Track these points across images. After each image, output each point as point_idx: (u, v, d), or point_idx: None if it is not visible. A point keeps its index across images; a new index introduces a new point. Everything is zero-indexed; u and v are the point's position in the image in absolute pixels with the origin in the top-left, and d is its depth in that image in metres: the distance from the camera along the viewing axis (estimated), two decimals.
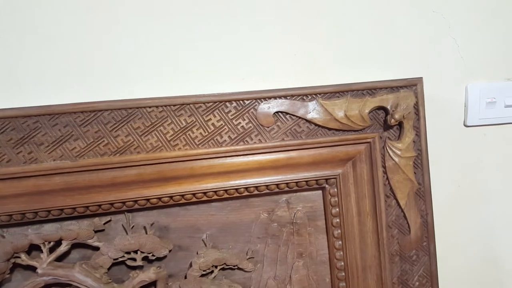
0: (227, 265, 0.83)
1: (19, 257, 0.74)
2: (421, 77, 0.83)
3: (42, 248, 0.75)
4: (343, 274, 0.86)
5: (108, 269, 0.79)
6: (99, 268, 0.76)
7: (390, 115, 0.81)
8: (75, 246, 0.79)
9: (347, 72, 0.86)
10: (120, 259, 0.78)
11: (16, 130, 0.71)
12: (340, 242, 0.85)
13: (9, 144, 0.70)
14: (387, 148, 0.83)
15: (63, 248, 0.76)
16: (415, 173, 0.85)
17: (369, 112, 0.82)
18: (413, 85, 0.83)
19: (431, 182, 0.85)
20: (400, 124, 0.83)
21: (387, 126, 0.83)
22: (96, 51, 0.78)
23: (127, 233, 0.79)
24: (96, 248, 0.78)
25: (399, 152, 0.83)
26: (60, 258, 0.78)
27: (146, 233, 0.79)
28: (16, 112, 0.70)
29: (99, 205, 0.76)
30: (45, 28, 0.76)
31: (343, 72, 0.86)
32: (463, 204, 0.96)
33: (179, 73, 0.81)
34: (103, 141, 0.74)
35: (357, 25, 0.86)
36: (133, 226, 0.80)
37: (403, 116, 0.81)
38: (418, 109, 0.84)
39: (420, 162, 0.85)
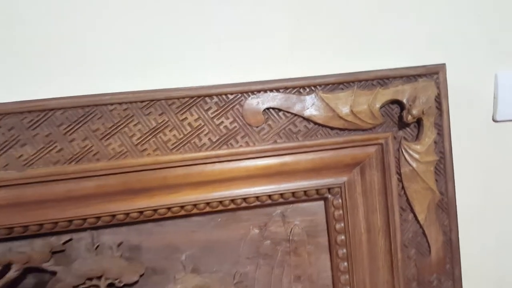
0: None
1: None
2: (444, 63, 0.69)
3: None
4: None
5: None
6: None
7: (406, 111, 0.67)
8: (30, 269, 0.67)
9: (354, 60, 0.71)
10: (82, 286, 0.66)
11: None
12: (345, 264, 0.71)
13: None
14: (403, 150, 0.68)
15: (12, 273, 0.63)
16: (436, 180, 0.70)
17: (381, 107, 0.68)
18: (434, 74, 0.68)
19: (456, 191, 0.71)
20: (418, 122, 0.69)
21: (402, 124, 0.69)
22: (48, 38, 0.64)
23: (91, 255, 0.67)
24: (54, 273, 0.66)
25: (417, 156, 0.68)
26: (12, 285, 0.66)
27: (113, 254, 0.67)
28: None
29: (55, 223, 0.64)
30: None
31: (349, 60, 0.71)
32: (493, 217, 0.81)
33: (150, 63, 0.66)
34: (56, 146, 0.61)
35: (365, 3, 0.71)
36: (97, 246, 0.67)
37: (423, 111, 0.67)
38: (440, 103, 0.69)
39: (443, 168, 0.70)
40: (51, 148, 0.61)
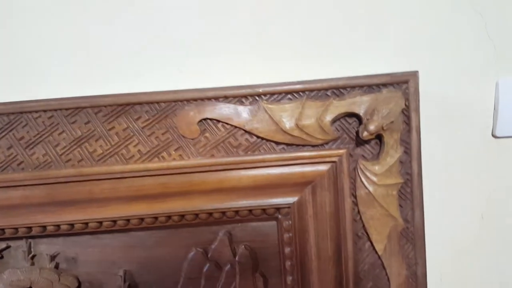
0: None
1: None
2: (416, 71, 0.59)
3: None
4: None
5: None
6: None
7: (363, 125, 0.58)
8: None
9: (309, 67, 0.63)
10: None
11: None
12: None
13: None
14: (359, 171, 0.60)
15: None
16: (401, 206, 0.61)
17: (334, 121, 0.59)
18: (403, 83, 0.59)
19: (425, 219, 0.61)
20: (379, 138, 0.60)
21: (361, 140, 0.60)
22: None
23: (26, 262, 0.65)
24: None
25: (374, 178, 0.59)
26: None
27: (48, 265, 0.65)
28: None
29: None
30: None
31: (304, 67, 0.63)
32: (489, 245, 0.69)
33: (78, 69, 0.63)
34: None
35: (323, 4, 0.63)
36: (34, 256, 0.65)
37: (382, 126, 0.58)
38: (409, 116, 0.59)
39: (409, 192, 0.61)
40: None
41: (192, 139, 0.60)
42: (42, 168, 0.60)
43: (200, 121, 0.60)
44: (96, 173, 0.59)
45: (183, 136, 0.60)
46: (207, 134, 0.60)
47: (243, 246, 0.66)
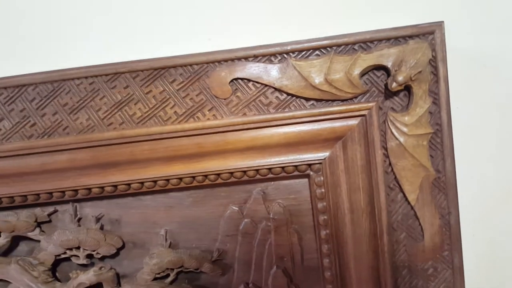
0: (186, 268, 0.69)
1: None
2: (441, 21, 0.59)
3: None
4: (331, 287, 0.67)
5: (56, 265, 0.71)
6: (39, 265, 0.68)
7: (391, 77, 0.59)
8: (23, 238, 0.71)
9: (335, 23, 0.64)
10: (64, 256, 0.69)
11: None
12: (328, 246, 0.66)
13: None
14: (389, 123, 0.61)
15: (2, 240, 0.68)
16: (431, 157, 0.62)
17: (362, 74, 0.60)
18: (429, 33, 0.59)
19: (456, 169, 0.61)
20: (408, 89, 0.61)
21: (390, 93, 0.61)
22: (14, 16, 0.66)
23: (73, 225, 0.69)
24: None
25: (405, 129, 0.60)
26: (6, 252, 0.71)
27: (94, 226, 0.69)
28: None
29: (37, 194, 0.67)
30: None
31: (327, 23, 0.64)
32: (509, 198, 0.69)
33: (115, 35, 0.66)
34: (30, 121, 0.63)
35: None
36: (80, 218, 0.69)
37: (410, 77, 0.58)
38: (436, 67, 0.60)
39: (440, 142, 0.61)
40: (25, 122, 0.64)
41: (225, 99, 0.62)
42: (86, 132, 0.63)
43: (232, 81, 0.62)
44: (136, 135, 0.63)
45: (216, 97, 0.62)
46: (238, 94, 0.62)
47: (276, 204, 0.69)
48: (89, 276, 0.66)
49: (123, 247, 0.70)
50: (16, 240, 0.71)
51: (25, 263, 0.67)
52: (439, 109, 0.61)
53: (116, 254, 0.70)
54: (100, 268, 0.67)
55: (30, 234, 0.68)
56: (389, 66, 0.59)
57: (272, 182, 0.68)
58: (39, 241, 0.69)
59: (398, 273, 0.64)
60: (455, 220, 0.62)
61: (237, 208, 0.69)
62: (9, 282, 0.70)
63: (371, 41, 0.60)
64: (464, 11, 0.63)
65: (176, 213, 0.70)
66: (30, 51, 0.66)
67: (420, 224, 0.63)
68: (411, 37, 0.60)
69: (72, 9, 0.65)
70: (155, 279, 0.68)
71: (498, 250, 0.69)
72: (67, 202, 0.69)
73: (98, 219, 0.69)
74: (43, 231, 0.69)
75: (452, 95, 0.61)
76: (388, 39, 0.60)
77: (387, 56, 0.59)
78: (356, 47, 0.60)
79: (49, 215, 0.69)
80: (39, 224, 0.69)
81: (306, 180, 0.67)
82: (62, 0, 0.65)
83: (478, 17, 0.64)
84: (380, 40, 0.60)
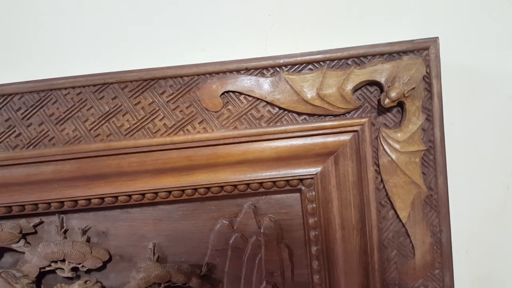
0: (173, 283, 0.68)
1: None
2: (436, 37, 0.58)
3: None
4: None
5: (41, 278, 0.69)
6: (22, 278, 0.66)
7: (384, 93, 0.58)
8: (8, 250, 0.69)
9: (328, 37, 0.64)
10: (48, 268, 0.67)
11: None
12: (318, 262, 0.65)
13: None
14: (381, 139, 0.60)
15: None
16: (424, 174, 0.61)
17: (355, 90, 0.60)
18: (423, 49, 0.59)
19: (449, 187, 0.61)
20: (401, 106, 0.60)
21: (383, 109, 0.60)
22: (4, 22, 0.65)
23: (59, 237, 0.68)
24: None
25: (397, 146, 0.59)
26: None
27: (82, 238, 0.67)
28: None
29: (22, 205, 0.65)
30: None
31: (322, 37, 0.64)
32: (501, 216, 0.68)
33: (104, 45, 0.65)
34: (15, 131, 0.62)
35: None
36: (66, 230, 0.68)
37: (404, 93, 0.58)
38: (430, 83, 0.59)
39: (432, 159, 0.61)
40: (10, 132, 0.62)
41: (215, 112, 0.61)
42: (72, 143, 0.62)
43: (223, 94, 0.61)
44: (124, 147, 0.61)
45: (207, 109, 0.61)
46: (229, 107, 0.61)
47: (267, 218, 0.68)
48: (74, 287, 0.65)
49: (110, 260, 0.69)
50: (0, 252, 0.69)
51: (8, 275, 0.66)
52: (432, 125, 0.60)
53: (103, 267, 0.68)
54: (85, 282, 0.66)
55: (14, 246, 0.67)
56: (382, 81, 0.58)
57: (264, 196, 0.67)
58: (23, 252, 0.68)
59: None
60: (446, 238, 0.61)
61: (227, 222, 0.68)
62: None
63: (365, 56, 0.59)
64: (458, 27, 0.63)
65: (165, 227, 0.68)
66: (16, 60, 0.65)
67: (411, 241, 0.62)
68: (405, 52, 0.59)
69: (60, 18, 0.64)
70: None
71: (490, 268, 0.69)
72: (53, 213, 0.67)
73: (84, 232, 0.67)
74: (28, 243, 0.68)
75: (446, 112, 0.60)
76: (382, 55, 0.59)
77: (380, 71, 0.59)
78: (349, 62, 0.60)
79: (34, 226, 0.68)
80: (24, 236, 0.67)
81: (297, 194, 0.66)
82: (51, 9, 0.64)
83: (472, 33, 0.63)
84: (374, 55, 0.59)
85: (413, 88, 0.58)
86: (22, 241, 0.67)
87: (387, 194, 0.61)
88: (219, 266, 0.69)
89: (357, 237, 0.63)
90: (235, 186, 0.64)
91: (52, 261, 0.66)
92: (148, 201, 0.65)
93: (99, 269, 0.69)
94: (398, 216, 0.61)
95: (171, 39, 0.65)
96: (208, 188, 0.64)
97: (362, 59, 0.59)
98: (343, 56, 0.59)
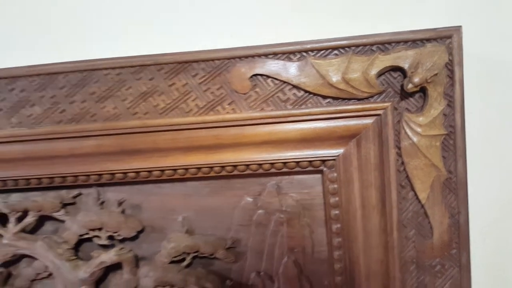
0: (201, 254, 0.72)
1: None
2: (459, 26, 0.60)
3: (10, 218, 0.72)
4: (341, 278, 0.68)
5: (78, 245, 0.75)
6: (63, 244, 0.72)
7: (407, 78, 0.61)
8: (48, 218, 0.75)
9: (354, 24, 0.66)
10: (86, 236, 0.73)
11: None
12: (339, 240, 0.68)
13: None
14: (404, 123, 0.62)
15: (29, 219, 0.72)
16: (443, 157, 0.63)
17: (379, 75, 0.62)
18: (446, 37, 0.61)
19: (468, 170, 0.62)
20: (423, 91, 0.62)
21: (405, 94, 0.62)
22: (51, 6, 0.71)
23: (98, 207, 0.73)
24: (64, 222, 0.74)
25: (419, 129, 0.62)
26: (32, 230, 0.75)
27: (118, 209, 0.72)
28: None
29: (64, 177, 0.70)
30: None
31: (347, 23, 0.66)
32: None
33: (143, 29, 0.70)
34: (59, 107, 0.67)
35: None
36: (103, 202, 0.73)
37: (426, 79, 0.60)
38: (452, 70, 0.61)
39: (452, 144, 0.63)
40: (55, 108, 0.67)
41: (244, 93, 0.65)
42: (112, 120, 0.67)
43: (251, 76, 0.64)
44: (159, 124, 0.66)
45: (236, 91, 0.65)
46: (257, 89, 0.65)
47: (289, 197, 0.71)
48: (110, 255, 0.70)
49: (142, 230, 0.74)
50: (42, 220, 0.75)
51: (51, 241, 0.71)
52: (454, 111, 0.62)
53: (136, 237, 0.73)
54: (121, 249, 0.71)
55: (55, 214, 0.72)
56: (405, 67, 0.61)
57: (287, 176, 0.71)
58: (63, 221, 0.73)
59: (406, 269, 0.66)
60: (464, 220, 0.63)
61: (251, 199, 0.72)
62: (33, 260, 0.75)
63: (389, 43, 0.61)
64: (482, 17, 0.64)
65: (193, 202, 0.73)
66: (60, 41, 0.71)
67: (429, 222, 0.64)
68: (428, 40, 0.61)
69: (103, 2, 0.69)
70: (171, 262, 0.72)
71: (506, 250, 0.71)
72: (91, 186, 0.73)
73: (120, 203, 0.72)
74: (67, 212, 0.74)
75: (467, 99, 0.62)
76: (405, 42, 0.61)
77: (404, 58, 0.61)
78: (374, 48, 0.62)
79: (73, 197, 0.73)
80: (64, 206, 0.73)
81: (319, 175, 0.69)
82: None
83: (496, 23, 0.65)
84: (398, 42, 0.61)
85: (436, 74, 0.60)
86: (62, 210, 0.73)
87: (407, 176, 0.64)
88: (243, 240, 0.73)
89: (377, 217, 0.65)
90: (260, 165, 0.68)
91: (90, 229, 0.72)
92: (179, 176, 0.69)
93: (132, 239, 0.74)
94: (417, 197, 0.64)
95: (203, 25, 0.69)
96: (235, 166, 0.68)
97: (387, 45, 0.62)
98: (368, 42, 0.62)
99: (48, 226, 0.76)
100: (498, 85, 0.66)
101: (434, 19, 0.64)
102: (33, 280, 0.76)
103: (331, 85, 0.62)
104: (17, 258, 0.75)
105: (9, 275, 0.77)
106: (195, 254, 0.72)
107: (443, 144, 0.63)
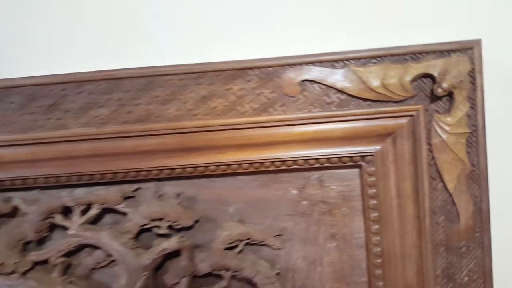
0: (253, 240, 0.80)
1: (54, 218, 0.80)
2: (479, 39, 0.70)
3: (74, 210, 0.79)
4: (380, 260, 0.77)
5: (138, 235, 0.82)
6: (125, 234, 0.79)
7: (437, 84, 0.70)
8: (108, 211, 0.82)
9: (388, 35, 0.76)
10: (147, 226, 0.80)
11: (46, 97, 0.74)
12: (377, 226, 0.77)
13: (39, 110, 0.75)
14: (434, 122, 0.72)
15: (93, 211, 0.79)
16: (468, 152, 0.72)
17: (412, 81, 0.71)
18: (469, 49, 0.70)
19: (488, 164, 0.72)
20: (450, 95, 0.71)
21: (435, 97, 0.72)
22: (118, 18, 0.79)
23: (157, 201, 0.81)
24: (125, 214, 0.81)
25: (447, 128, 0.71)
26: (93, 222, 0.82)
27: (175, 202, 0.80)
28: (44, 79, 0.74)
29: (126, 172, 0.78)
30: None
31: (382, 35, 0.76)
32: None
33: (201, 39, 0.79)
34: (125, 109, 0.75)
35: None
36: (161, 195, 0.80)
37: (453, 84, 0.69)
38: (474, 77, 0.71)
39: (475, 140, 0.72)
40: (121, 110, 0.75)
41: (293, 97, 0.73)
42: (175, 120, 0.75)
43: (300, 82, 0.73)
44: (217, 124, 0.74)
45: (286, 95, 0.73)
46: (305, 93, 0.73)
47: (331, 189, 0.80)
48: (172, 243, 0.77)
49: (197, 221, 0.81)
50: (101, 213, 0.82)
51: (114, 231, 0.79)
52: (476, 113, 0.71)
53: (191, 227, 0.81)
54: (181, 237, 0.78)
55: (117, 207, 0.79)
56: (435, 74, 0.70)
57: (328, 171, 0.79)
58: (123, 213, 0.80)
59: (436, 250, 0.75)
60: (486, 206, 0.73)
61: (296, 192, 0.80)
62: (94, 250, 0.82)
63: (420, 53, 0.71)
64: (500, 30, 0.75)
65: (243, 194, 0.81)
66: (127, 48, 0.79)
67: (456, 209, 0.73)
68: (454, 51, 0.70)
69: (166, 15, 0.78)
70: (225, 249, 0.79)
71: None
72: (150, 180, 0.80)
73: (178, 195, 0.80)
74: (128, 205, 0.81)
75: (487, 102, 0.72)
76: (434, 52, 0.71)
77: (433, 66, 0.70)
78: (407, 57, 0.71)
79: (133, 191, 0.80)
80: (125, 199, 0.80)
81: (357, 170, 0.78)
82: (158, 5, 0.78)
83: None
84: (428, 53, 0.71)
85: (461, 81, 0.70)
86: (124, 203, 0.80)
87: (437, 169, 0.73)
88: (289, 228, 0.81)
89: (411, 205, 0.75)
90: (306, 160, 0.76)
91: (152, 220, 0.79)
92: (232, 171, 0.78)
93: (187, 229, 0.81)
94: (446, 188, 0.73)
95: (256, 35, 0.78)
96: (283, 162, 0.77)
97: (418, 55, 0.71)
98: (402, 52, 0.71)
99: (107, 219, 0.83)
100: None
101: (458, 30, 0.75)
102: (92, 269, 0.84)
103: (371, 89, 0.71)
104: (78, 249, 0.83)
105: (69, 266, 0.84)
106: (247, 241, 0.80)
107: (467, 141, 0.72)
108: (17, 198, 0.81)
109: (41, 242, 0.83)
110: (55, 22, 0.80)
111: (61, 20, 0.80)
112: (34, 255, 0.80)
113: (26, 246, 0.83)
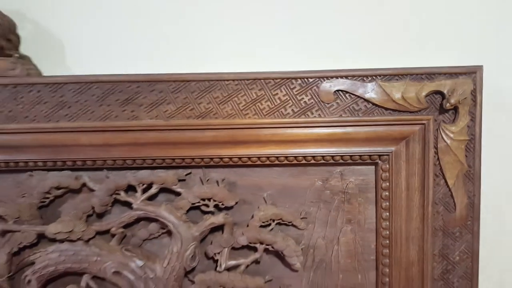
0: (283, 221, 0.96)
1: (119, 194, 0.94)
2: (481, 65, 0.87)
3: (137, 188, 0.93)
4: (387, 241, 0.94)
5: (187, 212, 0.97)
6: (179, 209, 0.93)
7: (446, 99, 0.87)
8: (162, 190, 0.97)
9: (407, 56, 0.93)
10: (196, 204, 0.95)
11: (122, 92, 0.89)
12: (387, 213, 0.94)
13: (116, 103, 0.89)
14: (441, 130, 0.89)
15: (153, 190, 0.94)
16: (466, 156, 0.90)
17: (426, 96, 0.88)
18: (472, 73, 0.87)
19: (482, 166, 0.89)
20: (455, 109, 0.88)
21: (442, 110, 0.89)
22: (190, 31, 0.95)
23: (203, 184, 0.95)
24: (178, 194, 0.95)
25: (451, 135, 0.88)
26: (150, 199, 0.96)
27: (218, 185, 0.94)
28: (123, 77, 0.88)
29: (183, 159, 0.92)
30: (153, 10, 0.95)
31: (403, 56, 0.93)
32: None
33: (252, 52, 0.95)
34: (189, 106, 0.89)
35: (419, 11, 0.93)
36: (208, 180, 0.95)
37: (459, 101, 0.86)
38: (475, 96, 0.88)
39: (472, 146, 0.89)
40: (186, 107, 0.89)
41: (328, 103, 0.89)
42: (229, 118, 0.89)
43: (334, 91, 0.89)
44: (263, 123, 0.89)
45: (322, 102, 0.89)
46: (338, 101, 0.89)
47: (350, 182, 0.96)
48: (218, 218, 0.93)
49: (237, 202, 0.96)
50: (158, 192, 0.97)
51: (171, 206, 0.93)
52: (474, 124, 0.88)
53: (231, 207, 0.96)
54: (226, 214, 0.93)
55: (174, 187, 0.94)
56: (445, 92, 0.87)
57: (349, 167, 0.96)
58: (177, 193, 0.95)
59: (435, 234, 0.92)
60: (477, 200, 0.91)
61: (321, 183, 0.96)
62: (148, 223, 0.96)
63: (434, 74, 0.87)
64: (503, 56, 0.93)
65: (276, 182, 0.97)
66: (194, 55, 0.95)
67: (454, 201, 0.91)
68: (461, 74, 0.87)
69: (227, 27, 0.94)
70: (260, 226, 0.95)
71: (506, 222, 1.01)
72: (199, 167, 0.95)
73: (222, 180, 0.95)
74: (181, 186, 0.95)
75: (484, 116, 0.89)
76: (445, 74, 0.87)
77: (444, 85, 0.87)
78: (423, 76, 0.88)
79: (186, 175, 0.95)
80: (179, 181, 0.95)
81: (373, 167, 0.95)
82: (216, 16, 0.93)
83: (509, 61, 0.93)
84: (440, 74, 0.87)
85: (465, 98, 0.86)
86: (178, 184, 0.94)
87: (441, 168, 0.90)
88: (312, 213, 0.98)
89: (417, 196, 0.92)
90: (332, 156, 0.92)
91: (202, 199, 0.94)
92: (269, 162, 0.93)
93: (228, 209, 0.96)
94: (447, 184, 0.90)
95: (300, 50, 0.93)
96: (313, 157, 0.92)
97: (432, 75, 0.88)
98: (419, 72, 0.87)
99: (161, 197, 0.98)
100: (507, 107, 0.94)
101: (466, 56, 0.93)
102: (144, 240, 0.98)
103: (393, 101, 0.87)
104: (133, 222, 0.97)
105: (124, 236, 0.98)
106: (278, 221, 0.96)
107: (466, 147, 0.89)
108: (85, 177, 0.95)
109: (100, 216, 0.98)
110: (133, 29, 0.97)
111: (140, 29, 0.98)
112: (98, 225, 0.95)
113: (88, 218, 0.97)
